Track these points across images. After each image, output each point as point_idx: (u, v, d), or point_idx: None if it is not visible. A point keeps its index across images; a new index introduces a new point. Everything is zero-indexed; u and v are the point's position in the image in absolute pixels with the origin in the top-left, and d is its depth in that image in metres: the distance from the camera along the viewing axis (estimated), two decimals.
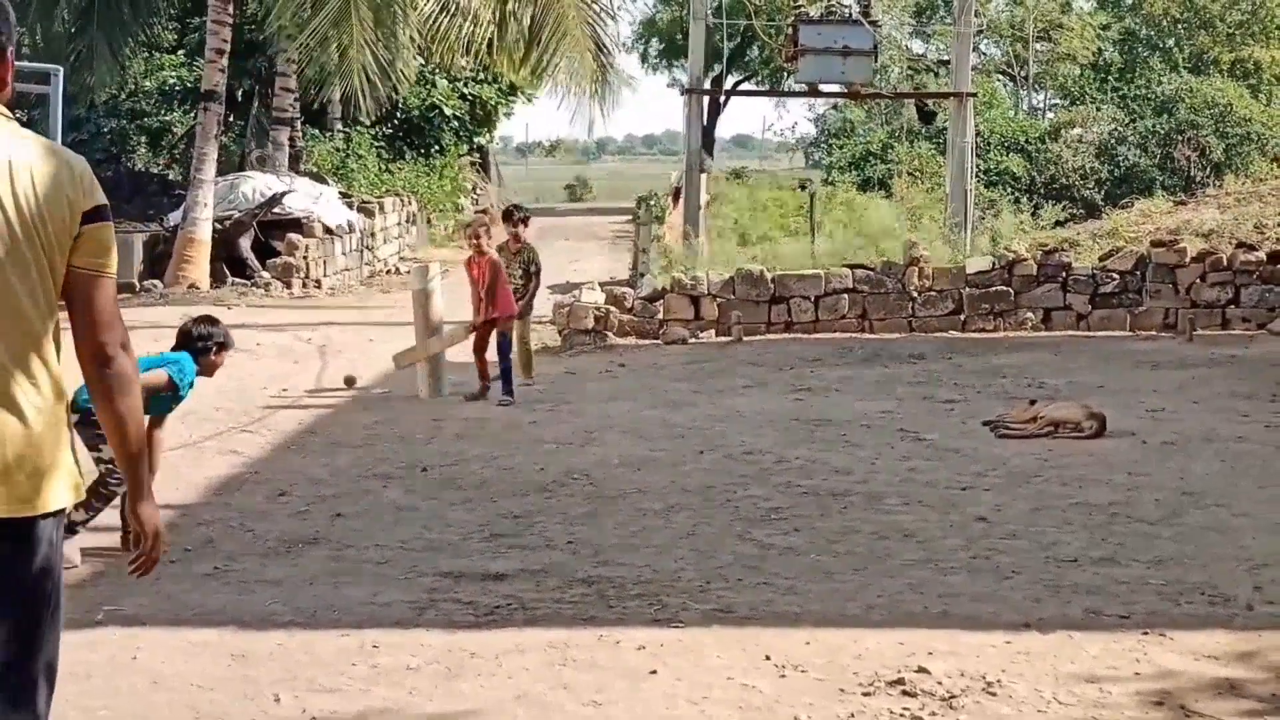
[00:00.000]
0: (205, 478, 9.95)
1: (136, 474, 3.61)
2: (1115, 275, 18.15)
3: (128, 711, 5.38)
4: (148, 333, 16.33)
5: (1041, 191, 35.00)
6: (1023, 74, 49.86)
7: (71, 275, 3.54)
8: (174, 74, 33.36)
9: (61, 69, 19.41)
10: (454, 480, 9.77)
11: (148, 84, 33.69)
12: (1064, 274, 18.18)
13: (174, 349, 8.31)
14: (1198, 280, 18.02)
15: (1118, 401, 12.42)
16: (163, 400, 8.04)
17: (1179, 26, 48.35)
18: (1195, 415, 12.05)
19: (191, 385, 8.16)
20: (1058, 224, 28.41)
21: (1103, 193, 35.57)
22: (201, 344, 8.23)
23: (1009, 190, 34.22)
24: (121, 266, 17.38)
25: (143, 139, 34.76)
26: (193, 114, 29.59)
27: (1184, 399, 12.89)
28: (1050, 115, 48.56)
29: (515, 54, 26.96)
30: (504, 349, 13.23)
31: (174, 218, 24.72)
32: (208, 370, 8.28)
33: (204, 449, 11.07)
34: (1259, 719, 5.26)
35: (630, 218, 35.91)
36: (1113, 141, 37.75)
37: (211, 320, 8.52)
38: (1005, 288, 18.10)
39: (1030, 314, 18.00)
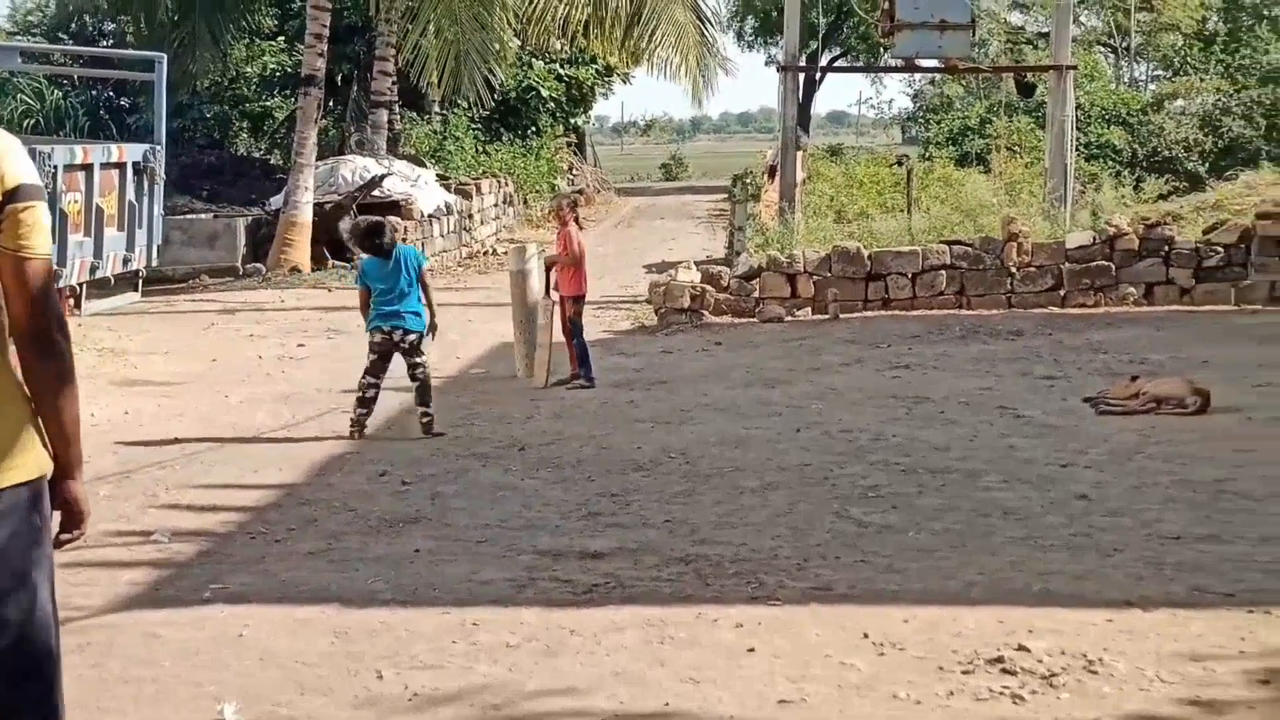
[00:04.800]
0: (307, 458, 10.09)
1: (73, 454, 3.55)
2: (1219, 249, 17.83)
3: (235, 687, 5.49)
4: (250, 315, 16.63)
5: (1143, 164, 34.40)
6: (1124, 45, 49.09)
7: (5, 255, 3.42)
8: (274, 60, 33.77)
9: (165, 56, 19.70)
10: (551, 459, 9.83)
11: (249, 70, 34.13)
12: (1166, 248, 17.90)
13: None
14: None
15: (1223, 377, 12.22)
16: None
17: None
18: None
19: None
20: (1160, 197, 27.92)
21: (1206, 165, 34.89)
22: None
23: (1110, 164, 33.67)
24: (225, 250, 17.73)
25: (244, 124, 35.24)
26: (293, 99, 29.95)
27: None
28: (1152, 87, 47.78)
29: (614, 33, 27.03)
30: (573, 331, 13.18)
31: (275, 201, 25.07)
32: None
33: (305, 430, 11.23)
34: None
35: (726, 196, 35.86)
36: (1217, 112, 37.03)
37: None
38: (1106, 262, 17.85)
39: (1132, 289, 17.75)
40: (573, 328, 13.14)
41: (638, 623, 6.17)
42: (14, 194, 3.41)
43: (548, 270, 13.33)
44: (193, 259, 22.79)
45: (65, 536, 3.60)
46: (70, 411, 3.50)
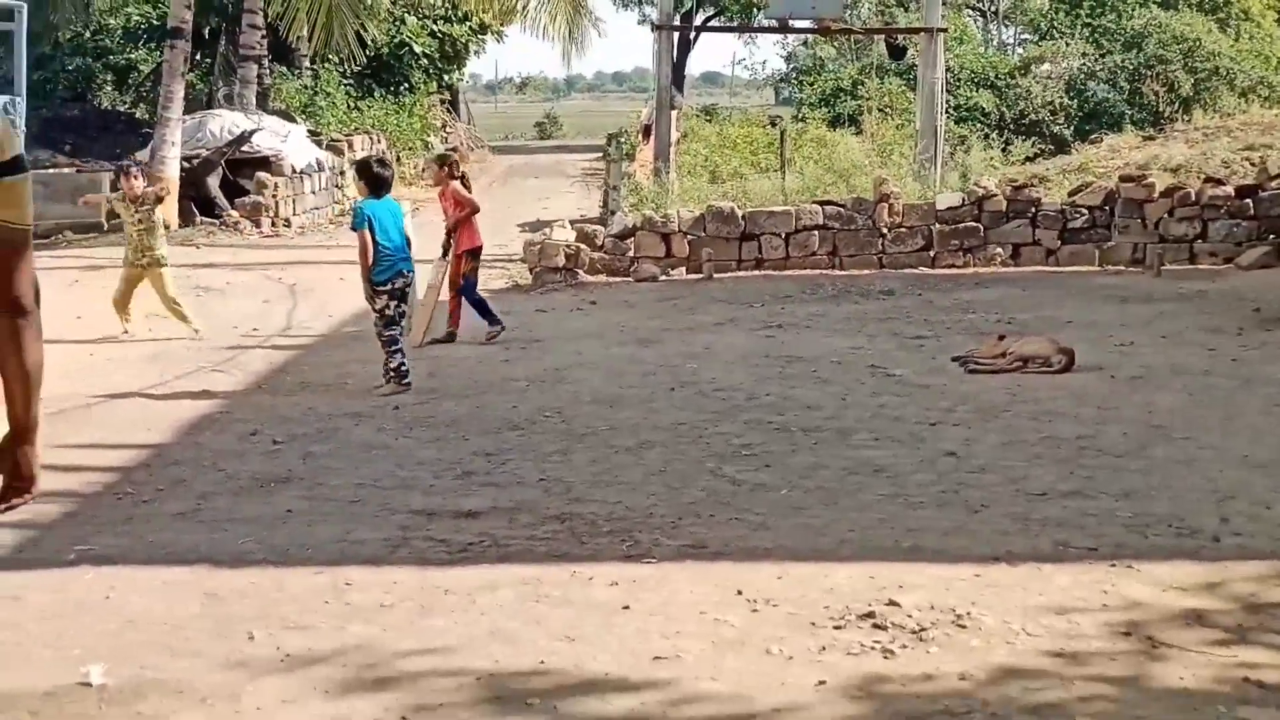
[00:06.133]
0: (176, 418, 9.92)
1: (32, 419, 3.50)
2: (1084, 211, 18.19)
3: (101, 651, 5.38)
4: (116, 272, 16.30)
5: (1011, 127, 34.95)
6: (993, 9, 49.73)
7: None
8: (139, 11, 33.04)
9: (25, 5, 19.19)
10: (426, 418, 9.77)
11: (112, 22, 33.34)
12: (1033, 210, 18.21)
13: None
14: (1166, 215, 18.07)
15: (1086, 336, 12.48)
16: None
17: None
18: (1163, 349, 12.12)
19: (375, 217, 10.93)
20: (1027, 160, 28.43)
21: (1072, 128, 35.55)
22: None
23: (979, 126, 34.16)
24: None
25: (109, 77, 34.46)
26: (159, 52, 29.31)
27: (1152, 333, 12.96)
28: (1020, 51, 48.49)
29: None
30: (468, 287, 13.16)
31: (141, 156, 24.53)
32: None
33: (175, 389, 11.04)
34: (1225, 649, 5.32)
35: (600, 155, 35.78)
36: (1082, 77, 37.70)
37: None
38: (975, 224, 18.12)
39: (999, 249, 18.04)
40: (466, 284, 13.11)
41: (513, 581, 6.16)
42: (12, 166, 3.30)
43: (449, 233, 13.14)
44: (55, 214, 22.22)
45: (17, 500, 3.52)
46: (36, 376, 3.44)
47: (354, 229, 11.13)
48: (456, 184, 13.24)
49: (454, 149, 39.23)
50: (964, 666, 5.16)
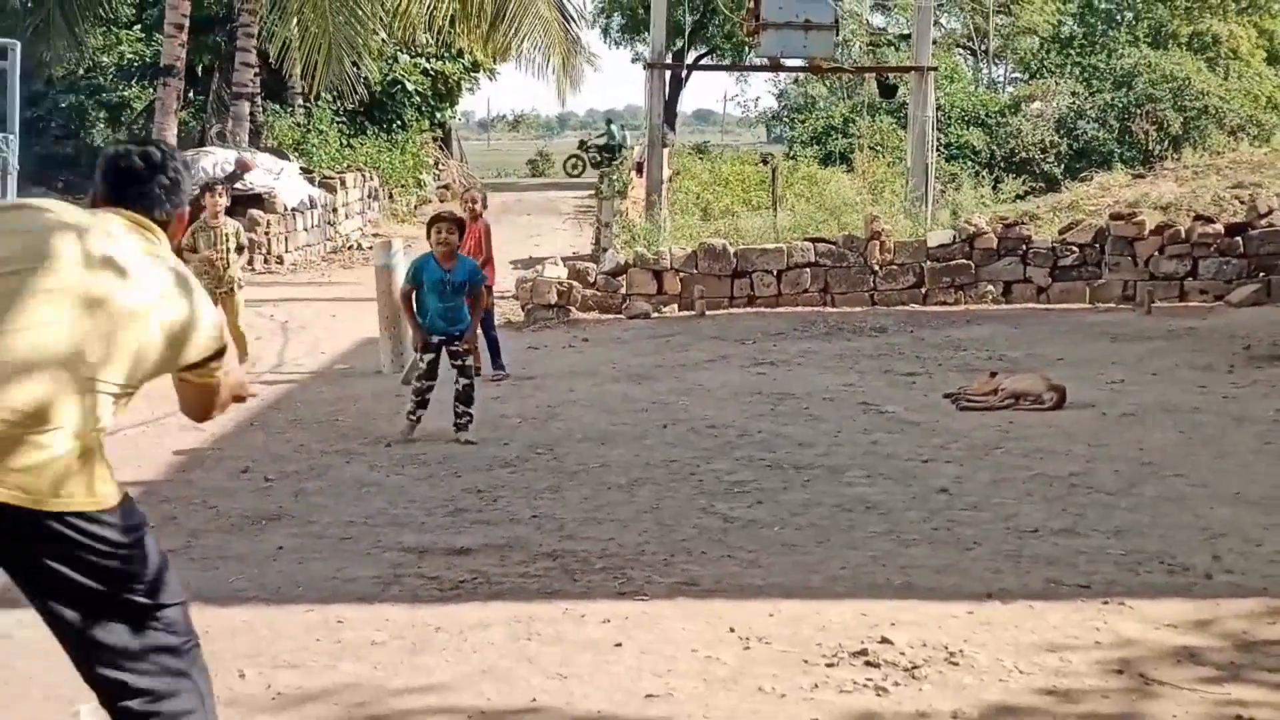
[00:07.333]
0: (167, 455, 9.91)
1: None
2: (1075, 248, 18.24)
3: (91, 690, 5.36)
4: None
5: (1002, 165, 35.04)
6: (983, 48, 49.99)
7: (189, 383, 3.98)
8: (132, 49, 33.08)
9: (18, 43, 19.22)
10: (417, 455, 9.76)
11: (105, 59, 33.39)
12: (1024, 247, 18.27)
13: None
14: (1156, 253, 18.12)
15: (1077, 374, 12.50)
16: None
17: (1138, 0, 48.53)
18: (1154, 387, 12.14)
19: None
20: (1018, 197, 28.49)
21: (1062, 166, 35.67)
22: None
23: (969, 164, 34.25)
24: None
25: (101, 114, 34.47)
26: (152, 89, 29.37)
27: (1142, 371, 12.98)
28: (1010, 89, 48.68)
29: (479, 28, 26.93)
30: (487, 322, 13.19)
31: None
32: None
33: (165, 425, 11.01)
34: (1217, 686, 5.32)
35: (593, 192, 35.83)
36: (1072, 115, 37.85)
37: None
38: (966, 261, 18.17)
39: (991, 287, 18.08)
40: (486, 319, 13.14)
41: (504, 619, 6.15)
42: (224, 350, 3.90)
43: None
44: None
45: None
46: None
47: (479, 284, 10.79)
48: (485, 220, 13.50)
49: (445, 186, 39.36)
50: (957, 704, 5.16)
